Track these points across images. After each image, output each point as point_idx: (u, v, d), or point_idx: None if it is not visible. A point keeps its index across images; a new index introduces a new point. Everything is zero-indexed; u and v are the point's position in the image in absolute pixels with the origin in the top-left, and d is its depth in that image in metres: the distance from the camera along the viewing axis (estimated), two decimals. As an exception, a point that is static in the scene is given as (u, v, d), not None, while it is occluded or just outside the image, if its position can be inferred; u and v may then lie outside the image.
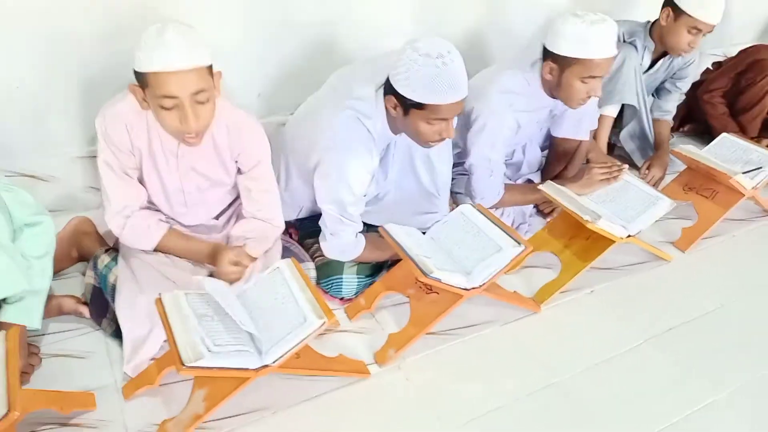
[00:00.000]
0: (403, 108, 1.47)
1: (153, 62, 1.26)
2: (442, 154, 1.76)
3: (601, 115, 2.25)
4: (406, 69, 1.41)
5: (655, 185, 2.23)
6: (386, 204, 1.79)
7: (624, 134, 2.37)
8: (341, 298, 1.68)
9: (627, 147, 2.40)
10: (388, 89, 1.49)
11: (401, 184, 1.79)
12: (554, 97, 1.83)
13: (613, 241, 1.72)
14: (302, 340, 1.23)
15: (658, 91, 2.41)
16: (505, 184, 1.94)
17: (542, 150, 2.14)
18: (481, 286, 1.50)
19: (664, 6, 2.14)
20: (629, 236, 1.73)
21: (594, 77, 1.71)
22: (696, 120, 2.69)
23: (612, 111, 2.25)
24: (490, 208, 1.90)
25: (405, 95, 1.43)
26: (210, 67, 1.34)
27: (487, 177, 1.86)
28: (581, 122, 1.98)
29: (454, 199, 2.04)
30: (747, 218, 2.18)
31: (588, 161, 2.27)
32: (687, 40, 2.11)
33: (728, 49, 3.09)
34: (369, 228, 1.81)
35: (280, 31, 2.00)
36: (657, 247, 1.96)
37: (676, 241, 2.02)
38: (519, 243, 1.51)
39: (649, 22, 2.24)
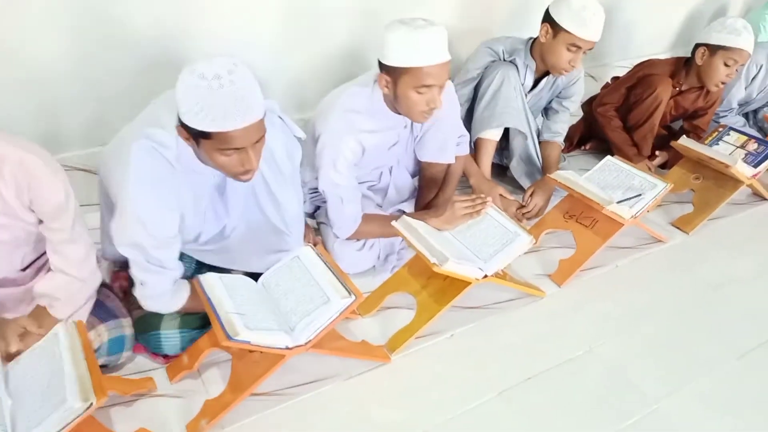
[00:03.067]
0: (193, 138, 1.28)
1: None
2: (286, 188, 1.59)
3: (480, 138, 2.13)
4: (182, 94, 1.22)
5: (537, 214, 2.11)
6: (232, 242, 1.62)
7: (514, 156, 2.24)
8: (164, 356, 1.50)
9: (515, 172, 2.28)
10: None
11: (248, 220, 1.62)
12: (399, 113, 1.70)
13: (469, 283, 1.58)
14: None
15: (546, 112, 2.30)
16: (367, 213, 1.79)
17: (414, 175, 2.00)
18: (306, 343, 1.33)
19: (543, 22, 2.02)
20: (486, 277, 1.59)
21: (428, 86, 1.57)
22: (597, 137, 2.59)
23: (493, 134, 2.12)
24: (349, 238, 1.77)
25: (186, 123, 1.24)
26: None
27: (339, 204, 1.72)
28: (445, 144, 1.84)
29: (320, 231, 1.90)
30: (635, 246, 2.07)
31: (473, 188, 2.16)
32: (567, 57, 1.99)
33: (635, 62, 3.03)
34: (214, 270, 1.66)
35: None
36: (530, 282, 1.84)
37: (552, 273, 1.90)
38: (350, 293, 1.35)
39: (531, 39, 2.12)
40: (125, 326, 1.46)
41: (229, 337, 1.22)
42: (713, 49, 2.25)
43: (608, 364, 1.62)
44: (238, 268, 1.66)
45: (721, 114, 2.67)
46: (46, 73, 1.84)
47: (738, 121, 2.67)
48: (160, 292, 1.42)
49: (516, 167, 2.26)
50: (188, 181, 1.39)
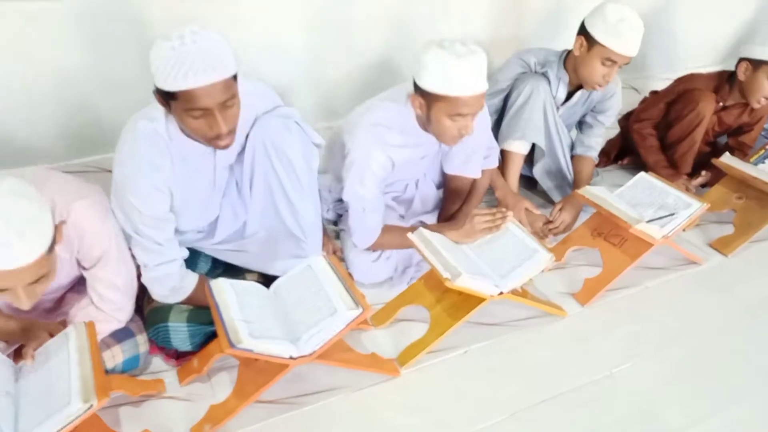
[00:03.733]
0: (166, 103, 1.30)
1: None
2: (303, 195, 1.60)
3: (507, 151, 2.08)
4: (151, 59, 1.24)
5: (564, 230, 2.04)
6: (250, 244, 1.64)
7: (539, 171, 2.18)
8: (176, 358, 1.52)
9: (544, 185, 2.22)
10: None
11: (265, 223, 1.63)
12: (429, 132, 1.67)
13: (484, 299, 1.54)
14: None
15: (581, 126, 2.23)
16: (387, 224, 1.77)
17: (440, 187, 1.97)
18: (311, 354, 1.32)
19: (578, 35, 1.96)
20: (501, 293, 1.54)
21: (462, 115, 1.54)
22: (634, 152, 2.49)
23: (520, 147, 2.07)
24: (368, 249, 1.76)
25: (157, 87, 1.27)
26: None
27: (361, 213, 1.70)
28: (470, 158, 1.81)
29: (340, 239, 1.90)
30: (667, 267, 1.98)
31: (498, 201, 2.11)
32: (601, 72, 1.92)
33: (681, 74, 2.91)
34: (230, 269, 1.68)
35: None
36: (552, 301, 1.78)
37: (576, 293, 1.83)
38: (357, 305, 1.34)
39: (565, 51, 2.06)
40: (140, 344, 1.47)
41: (231, 345, 1.22)
42: (756, 64, 2.13)
43: (630, 390, 1.55)
44: (254, 269, 1.68)
45: (774, 131, 2.53)
46: (72, 84, 1.88)
47: (789, 139, 2.53)
48: (163, 275, 1.44)
49: (544, 179, 2.20)
50: (182, 162, 1.40)
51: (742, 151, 2.37)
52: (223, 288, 1.38)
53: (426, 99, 1.56)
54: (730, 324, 1.78)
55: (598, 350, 1.66)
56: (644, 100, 2.45)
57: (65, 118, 1.92)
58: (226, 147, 1.38)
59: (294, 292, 1.45)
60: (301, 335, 1.32)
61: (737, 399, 1.54)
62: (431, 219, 1.97)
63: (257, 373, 1.37)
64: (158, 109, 1.36)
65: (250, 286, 1.46)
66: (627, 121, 2.44)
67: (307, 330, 1.32)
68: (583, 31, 1.94)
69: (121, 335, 1.45)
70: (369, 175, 1.65)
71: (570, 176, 2.17)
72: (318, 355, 1.34)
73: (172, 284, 1.46)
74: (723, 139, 2.51)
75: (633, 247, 1.81)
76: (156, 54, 1.24)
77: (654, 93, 2.45)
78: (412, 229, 1.72)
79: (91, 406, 1.11)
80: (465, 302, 1.57)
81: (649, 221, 1.75)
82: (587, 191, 1.86)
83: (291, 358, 1.31)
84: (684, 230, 2.15)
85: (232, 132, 1.36)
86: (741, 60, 2.18)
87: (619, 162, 2.56)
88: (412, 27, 2.36)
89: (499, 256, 1.62)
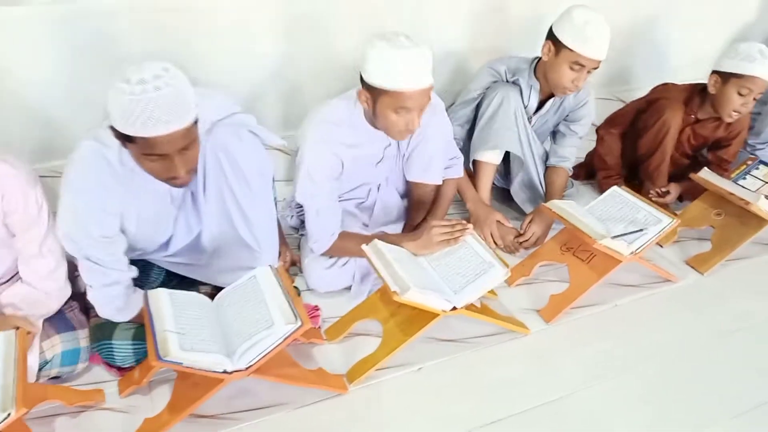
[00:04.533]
0: (121, 141, 1.27)
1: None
2: (256, 204, 1.56)
3: (479, 161, 2.04)
4: (109, 98, 1.20)
5: (536, 243, 1.99)
6: (204, 256, 1.60)
7: (514, 183, 2.13)
8: (119, 368, 1.48)
9: (517, 198, 2.17)
10: None
11: (220, 235, 1.59)
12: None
13: (437, 314, 1.49)
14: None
15: (554, 136, 2.17)
16: (346, 231, 1.73)
17: (404, 196, 1.93)
18: (247, 368, 1.28)
19: (546, 40, 1.92)
20: (454, 309, 1.49)
21: (407, 109, 1.51)
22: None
23: (492, 157, 2.02)
24: (325, 254, 1.73)
25: (112, 126, 1.23)
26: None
27: (315, 216, 1.68)
28: (430, 164, 1.77)
29: (301, 245, 1.87)
30: (639, 284, 1.91)
31: (469, 213, 2.07)
32: (570, 76, 1.88)
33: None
34: (185, 282, 1.64)
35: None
36: (515, 317, 1.73)
37: (542, 309, 1.77)
38: (296, 319, 1.29)
39: (536, 58, 2.01)
40: (81, 338, 1.45)
41: (158, 357, 1.18)
42: (725, 77, 2.07)
43: (590, 411, 1.49)
44: (208, 281, 1.64)
45: (758, 147, 2.46)
46: (41, 91, 1.87)
47: (775, 155, 2.45)
48: (108, 296, 1.42)
49: (517, 192, 2.15)
50: (136, 183, 1.36)
51: (720, 167, 2.30)
52: (159, 298, 1.34)
53: (371, 93, 1.54)
54: (700, 346, 1.71)
55: (559, 369, 1.61)
56: (627, 104, 2.40)
57: (30, 124, 1.91)
58: (182, 185, 1.37)
59: (236, 303, 1.40)
60: (236, 349, 1.27)
61: (704, 425, 1.47)
62: (396, 229, 1.92)
63: (193, 386, 1.33)
64: (111, 137, 1.31)
65: (191, 297, 1.42)
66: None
67: (242, 343, 1.27)
68: (550, 35, 1.91)
69: (61, 326, 1.44)
70: (318, 170, 1.62)
71: (542, 188, 2.12)
72: (254, 370, 1.29)
73: (117, 305, 1.44)
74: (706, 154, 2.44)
75: (601, 263, 1.75)
76: (115, 98, 1.19)
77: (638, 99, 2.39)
78: (373, 237, 1.69)
79: (9, 415, 1.07)
80: (418, 317, 1.52)
81: (615, 237, 1.70)
82: (554, 204, 1.81)
83: (225, 372, 1.26)
84: (662, 246, 2.10)
85: (190, 172, 1.34)
86: (712, 73, 2.12)
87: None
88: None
89: (456, 269, 1.57)
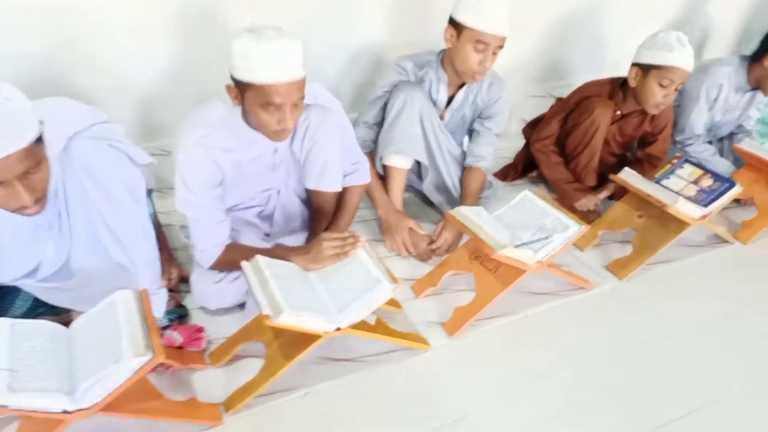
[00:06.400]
0: None
1: None
2: (129, 224, 1.45)
3: (387, 166, 1.93)
4: None
5: (448, 250, 1.89)
6: (77, 281, 1.47)
7: (427, 184, 2.03)
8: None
9: (434, 200, 2.07)
10: None
11: (89, 256, 1.47)
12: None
13: (320, 336, 1.38)
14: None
15: (471, 134, 2.07)
16: (235, 243, 1.62)
17: (307, 203, 1.81)
18: (92, 406, 1.16)
19: (447, 25, 1.82)
20: (338, 329, 1.38)
21: (276, 105, 1.40)
22: (542, 164, 2.35)
23: (400, 161, 1.91)
24: (212, 267, 1.60)
25: None
26: None
27: (196, 226, 1.56)
28: (325, 170, 1.65)
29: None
30: (553, 292, 1.82)
31: (381, 220, 1.96)
32: (476, 59, 1.79)
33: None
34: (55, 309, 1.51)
35: None
36: (416, 332, 1.63)
37: (446, 321, 1.68)
38: (147, 350, 1.17)
39: (443, 50, 1.91)
40: None
41: (-19, 399, 1.05)
42: (645, 69, 1.99)
43: (494, 431, 1.40)
44: (80, 309, 1.50)
45: (687, 142, 2.39)
46: None
47: (705, 150, 2.39)
48: None
49: (433, 194, 2.05)
50: None
51: (651, 164, 2.23)
52: (-3, 330, 1.21)
53: (240, 89, 1.42)
54: (609, 359, 1.63)
55: (463, 386, 1.51)
56: (551, 108, 2.30)
57: None
58: (33, 215, 1.27)
59: (90, 332, 1.28)
60: (80, 385, 1.15)
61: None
62: (299, 239, 1.80)
63: (37, 426, 1.20)
64: None
65: (39, 326, 1.29)
66: (532, 130, 2.29)
67: (86, 379, 1.15)
68: (450, 20, 1.81)
69: None
70: (192, 178, 1.50)
71: (456, 191, 2.02)
72: (102, 407, 1.17)
73: None
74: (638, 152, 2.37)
75: (507, 272, 1.66)
76: None
77: (559, 100, 2.30)
78: (262, 250, 1.57)
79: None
80: (301, 340, 1.41)
81: (519, 245, 1.60)
82: (458, 212, 1.70)
83: (65, 412, 1.14)
84: (582, 250, 2.02)
85: (39, 200, 1.25)
86: (631, 65, 2.04)
87: (529, 174, 2.41)
88: (307, 36, 2.20)
89: (345, 285, 1.46)
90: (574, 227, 1.66)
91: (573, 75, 2.89)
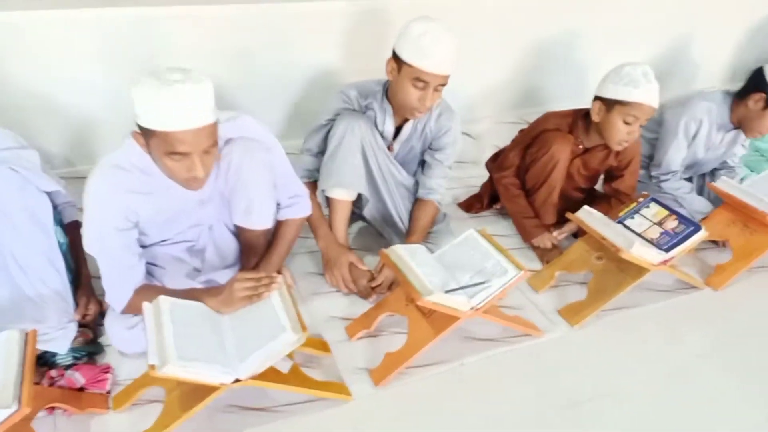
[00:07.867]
0: None
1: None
2: (34, 252, 1.41)
3: (330, 198, 1.83)
4: None
5: (390, 288, 1.79)
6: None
7: (369, 215, 1.94)
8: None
9: (384, 232, 1.97)
10: None
11: (3, 289, 1.42)
12: None
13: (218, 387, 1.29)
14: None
15: (422, 166, 1.97)
16: (148, 285, 1.53)
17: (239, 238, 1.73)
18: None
19: (390, 57, 1.74)
20: (237, 381, 1.29)
21: (181, 153, 1.31)
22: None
23: (342, 193, 1.81)
24: (125, 312, 1.51)
25: None
26: None
27: (107, 269, 1.47)
28: (251, 207, 1.57)
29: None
30: (496, 338, 1.71)
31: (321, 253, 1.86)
32: (415, 95, 1.69)
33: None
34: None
35: None
36: (336, 382, 1.52)
37: (373, 369, 1.57)
38: (16, 402, 1.10)
39: (388, 80, 1.82)
40: None
41: None
42: (609, 104, 1.88)
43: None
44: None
45: (662, 177, 2.26)
46: None
47: (681, 187, 2.25)
48: None
49: (383, 227, 1.96)
50: None
51: (619, 200, 2.10)
52: None
53: (145, 136, 1.34)
54: (543, 418, 1.51)
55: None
56: (513, 139, 2.20)
57: None
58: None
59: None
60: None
61: None
62: (232, 275, 1.71)
63: None
64: None
65: None
66: (494, 162, 2.19)
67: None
68: (393, 53, 1.72)
69: None
70: (102, 224, 1.42)
71: (404, 224, 1.92)
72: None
73: None
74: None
75: (441, 319, 1.55)
76: None
77: (521, 131, 2.19)
78: (179, 291, 1.48)
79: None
80: (201, 389, 1.31)
81: (452, 290, 1.49)
82: (392, 251, 1.60)
83: None
84: (537, 292, 1.91)
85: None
86: (594, 99, 1.93)
87: (494, 206, 2.30)
88: (250, 59, 2.14)
89: (253, 332, 1.36)
90: (512, 272, 1.55)
91: (548, 102, 2.78)
